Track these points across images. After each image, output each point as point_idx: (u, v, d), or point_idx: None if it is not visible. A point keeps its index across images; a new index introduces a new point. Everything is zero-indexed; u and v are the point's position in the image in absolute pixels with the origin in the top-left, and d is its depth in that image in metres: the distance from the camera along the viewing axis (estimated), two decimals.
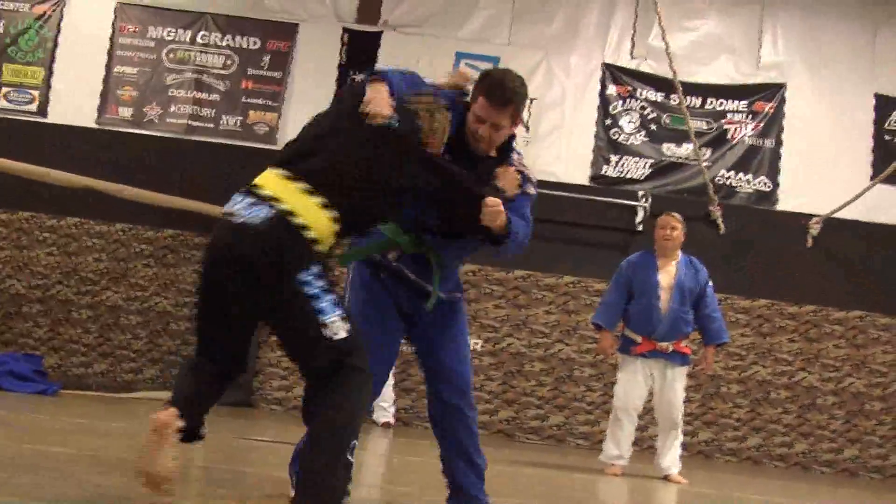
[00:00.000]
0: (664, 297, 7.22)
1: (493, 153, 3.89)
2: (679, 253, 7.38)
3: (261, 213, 3.34)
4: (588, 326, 9.60)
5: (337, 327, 3.33)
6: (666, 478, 7.18)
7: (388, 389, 9.26)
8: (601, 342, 7.44)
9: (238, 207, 3.40)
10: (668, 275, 7.29)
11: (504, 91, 3.72)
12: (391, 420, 9.27)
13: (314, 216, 3.37)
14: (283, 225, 3.32)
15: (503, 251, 3.85)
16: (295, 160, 3.50)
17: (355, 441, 3.31)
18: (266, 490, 4.18)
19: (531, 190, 3.98)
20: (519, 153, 4.03)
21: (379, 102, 3.50)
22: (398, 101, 3.55)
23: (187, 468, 4.74)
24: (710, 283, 7.35)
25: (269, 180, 3.47)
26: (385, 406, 9.21)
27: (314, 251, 3.37)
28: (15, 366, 8.43)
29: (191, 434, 3.41)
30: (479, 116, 3.74)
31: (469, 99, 3.84)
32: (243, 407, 9.42)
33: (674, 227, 7.33)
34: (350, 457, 3.29)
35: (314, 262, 3.37)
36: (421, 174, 3.58)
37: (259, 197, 3.40)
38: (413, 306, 3.96)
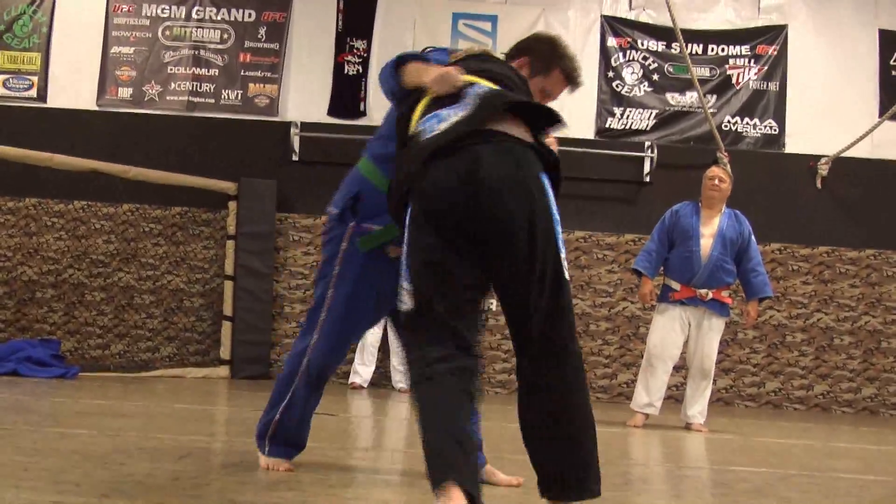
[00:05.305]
0: (705, 245, 7.21)
1: None
2: (724, 206, 7.36)
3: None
4: (601, 280, 9.60)
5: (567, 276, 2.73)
6: (688, 426, 7.20)
7: None
8: (641, 288, 7.43)
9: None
10: (710, 224, 7.27)
11: (580, 77, 3.85)
12: None
13: None
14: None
15: None
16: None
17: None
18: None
19: None
20: None
21: (451, 73, 3.22)
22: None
23: (209, 443, 4.76)
24: (753, 237, 7.32)
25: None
26: (405, 372, 9.26)
27: None
28: (33, 352, 8.46)
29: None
30: (549, 92, 3.81)
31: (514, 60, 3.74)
32: (261, 379, 9.45)
33: (722, 178, 7.31)
34: None
35: None
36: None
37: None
38: None
